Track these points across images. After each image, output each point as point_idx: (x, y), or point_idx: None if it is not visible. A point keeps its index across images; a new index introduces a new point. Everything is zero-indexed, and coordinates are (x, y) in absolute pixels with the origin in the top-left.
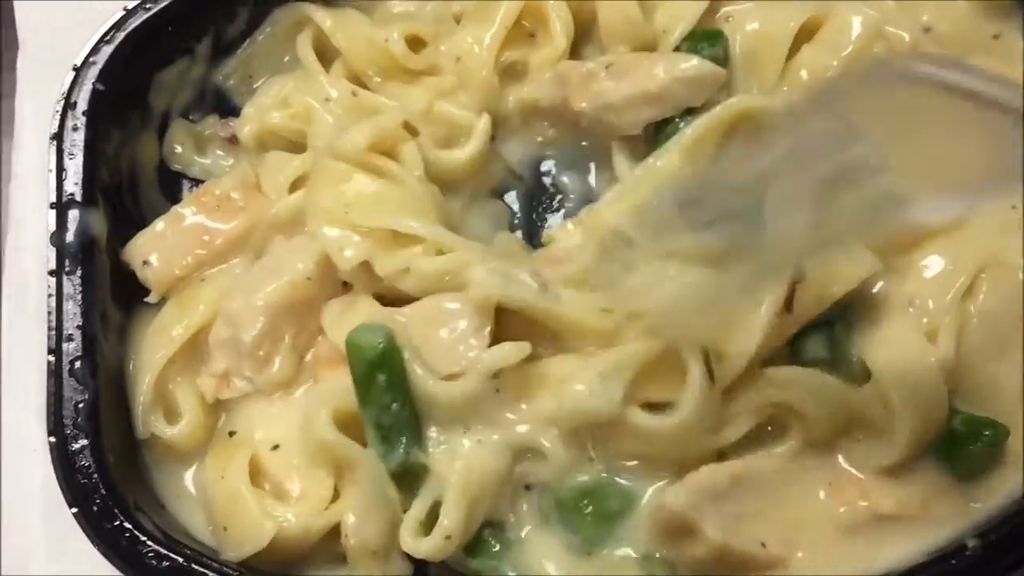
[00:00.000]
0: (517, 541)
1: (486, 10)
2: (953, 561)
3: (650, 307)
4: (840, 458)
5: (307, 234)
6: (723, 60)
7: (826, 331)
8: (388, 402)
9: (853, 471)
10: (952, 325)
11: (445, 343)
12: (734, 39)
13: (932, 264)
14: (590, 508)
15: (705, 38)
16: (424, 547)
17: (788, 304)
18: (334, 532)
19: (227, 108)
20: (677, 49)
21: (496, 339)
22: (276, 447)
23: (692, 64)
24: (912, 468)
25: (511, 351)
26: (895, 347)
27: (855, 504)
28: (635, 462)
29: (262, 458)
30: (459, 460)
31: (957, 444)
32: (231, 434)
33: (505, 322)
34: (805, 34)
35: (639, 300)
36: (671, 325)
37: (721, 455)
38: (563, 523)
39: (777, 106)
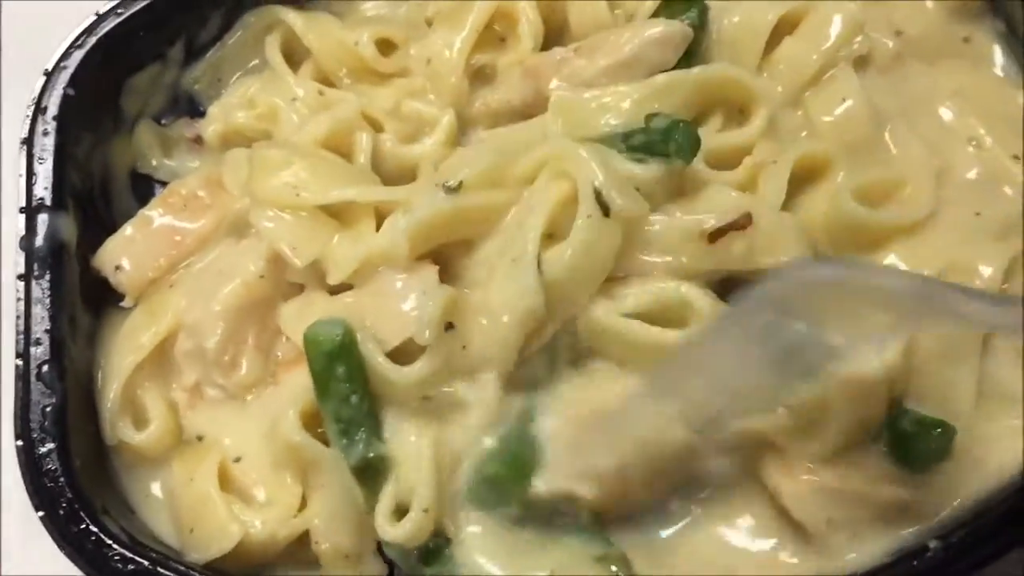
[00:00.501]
0: (465, 538)
1: (458, 13)
2: (915, 562)
3: None
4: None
5: (255, 235)
6: (700, 27)
7: None
8: (347, 393)
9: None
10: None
11: (393, 312)
12: (713, 31)
13: (893, 265)
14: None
15: (684, 5)
16: (406, 526)
17: (716, 234)
18: (304, 536)
19: (198, 112)
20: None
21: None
22: (238, 459)
23: (658, 27)
24: (856, 459)
25: (440, 296)
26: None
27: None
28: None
29: (228, 468)
30: (415, 439)
31: (906, 442)
32: (199, 438)
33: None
34: (787, 28)
35: None
36: None
37: None
38: (495, 497)
39: (759, 85)
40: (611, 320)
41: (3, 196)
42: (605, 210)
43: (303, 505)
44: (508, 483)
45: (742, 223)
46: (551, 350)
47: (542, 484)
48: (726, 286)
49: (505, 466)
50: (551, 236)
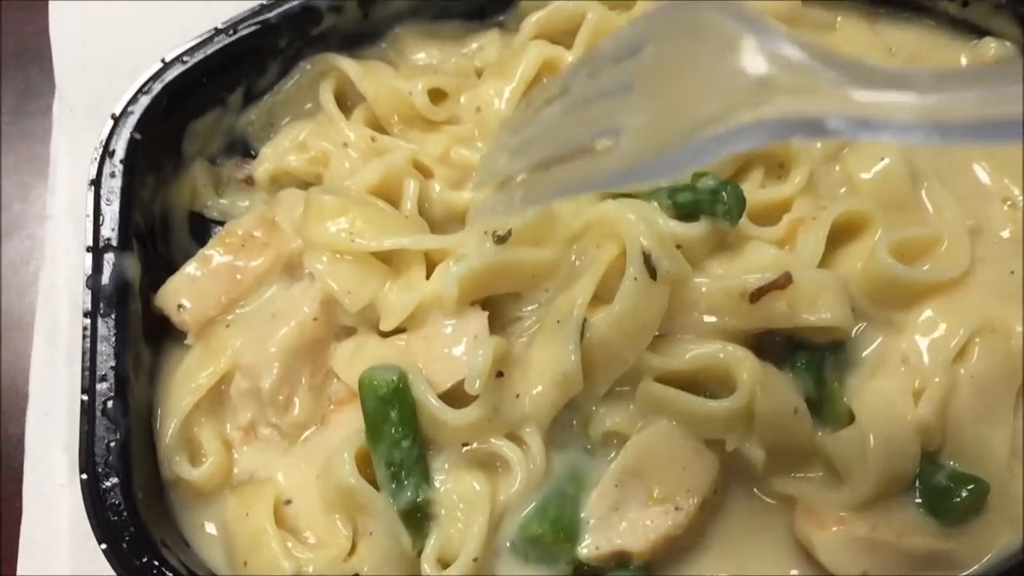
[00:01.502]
0: None
1: (507, 65)
2: None
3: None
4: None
5: (307, 278)
6: None
7: (814, 371)
8: (399, 438)
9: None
10: (940, 387)
11: (445, 356)
12: None
13: (928, 323)
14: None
15: None
16: (454, 572)
17: (756, 294)
18: None
19: (249, 154)
20: None
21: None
22: (289, 501)
23: None
24: (887, 510)
25: (491, 346)
26: (881, 400)
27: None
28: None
29: (279, 509)
30: (465, 488)
31: (940, 496)
32: (252, 478)
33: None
34: None
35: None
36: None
37: None
38: (539, 555)
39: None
40: (661, 392)
41: (55, 232)
42: (652, 273)
43: (353, 549)
44: (553, 545)
45: (782, 283)
46: (595, 413)
47: (589, 550)
48: (762, 338)
49: (550, 527)
50: (596, 297)
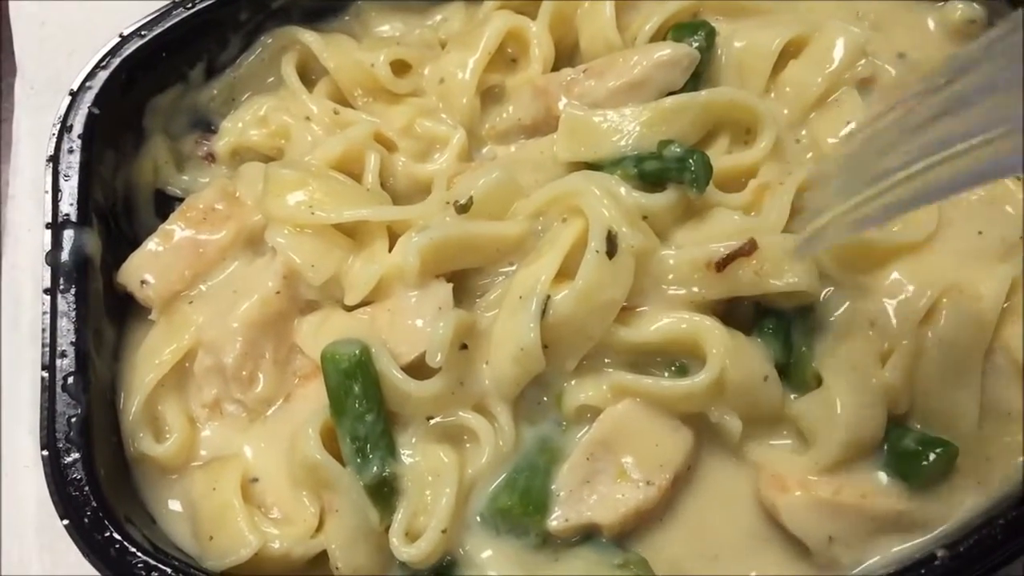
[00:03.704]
0: (478, 560)
1: (471, 36)
2: (923, 571)
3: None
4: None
5: (270, 252)
6: (707, 50)
7: (782, 337)
8: (362, 412)
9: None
10: (907, 350)
11: (408, 327)
12: (721, 54)
13: (896, 286)
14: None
15: (690, 29)
16: (422, 546)
17: (723, 262)
18: (322, 554)
19: (210, 130)
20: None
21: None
22: (256, 480)
23: (666, 50)
24: (852, 474)
25: (453, 319)
26: (848, 364)
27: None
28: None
29: (246, 487)
30: (433, 461)
31: (907, 460)
32: (219, 452)
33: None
34: (793, 51)
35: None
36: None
37: None
38: (510, 527)
39: (765, 107)
40: (633, 382)
41: (16, 211)
42: (614, 247)
43: (320, 525)
44: (522, 517)
45: (747, 249)
46: (568, 387)
47: (558, 522)
48: (731, 305)
49: (519, 500)
50: (563, 272)
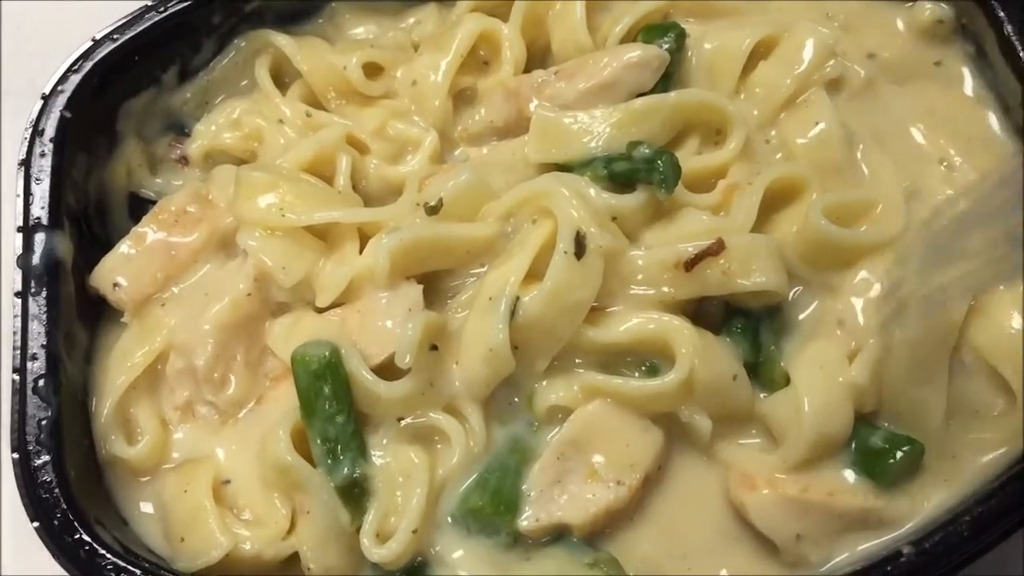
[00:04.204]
0: (449, 560)
1: (443, 38)
2: (888, 567)
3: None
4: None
5: (242, 254)
6: (677, 51)
7: (751, 336)
8: (333, 413)
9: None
10: (874, 349)
11: (378, 328)
12: (691, 55)
13: (864, 285)
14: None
15: (660, 30)
16: (393, 546)
17: (691, 262)
18: (295, 555)
19: (184, 133)
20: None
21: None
22: (228, 481)
23: (636, 51)
24: (820, 472)
25: (421, 320)
26: (816, 363)
27: (759, 491)
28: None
29: (218, 488)
30: (403, 461)
31: (874, 458)
32: (191, 455)
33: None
34: (763, 52)
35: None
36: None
37: None
38: (481, 527)
39: (734, 108)
40: (603, 382)
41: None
42: (582, 248)
43: (292, 527)
44: (493, 517)
45: (715, 249)
46: (539, 388)
47: (529, 522)
48: (700, 304)
49: (489, 500)
50: (532, 273)
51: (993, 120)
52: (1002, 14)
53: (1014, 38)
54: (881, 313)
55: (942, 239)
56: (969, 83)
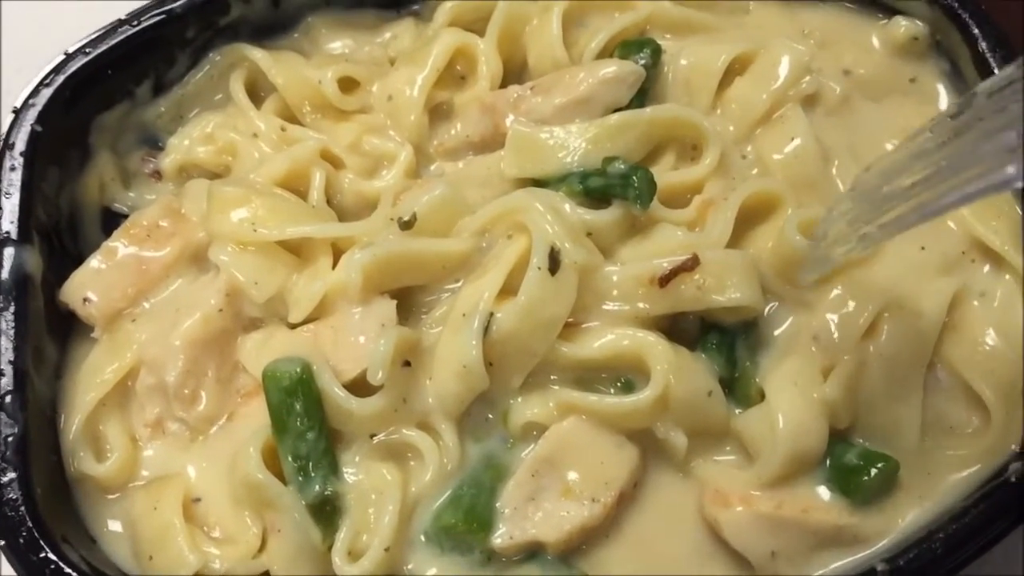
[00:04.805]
0: None
1: (419, 53)
2: None
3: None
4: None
5: (214, 269)
6: (653, 67)
7: (726, 352)
8: (304, 430)
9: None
10: (848, 365)
11: (351, 344)
12: (668, 71)
13: (838, 301)
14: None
15: (636, 46)
16: (365, 564)
17: (666, 278)
18: (264, 574)
19: (157, 147)
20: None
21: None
22: (198, 500)
23: (612, 67)
24: (794, 489)
25: (393, 336)
26: (791, 379)
27: (733, 508)
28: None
29: (188, 506)
30: (376, 479)
31: (849, 475)
32: (161, 472)
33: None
34: (739, 68)
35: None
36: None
37: None
38: (454, 545)
39: (709, 124)
40: (579, 399)
41: None
42: (556, 264)
43: (262, 545)
44: (467, 534)
45: (690, 265)
46: (514, 405)
47: (503, 540)
48: (675, 320)
49: (463, 517)
50: (507, 289)
51: None
52: (976, 31)
53: (988, 55)
54: (811, 259)
55: (868, 189)
56: (944, 99)
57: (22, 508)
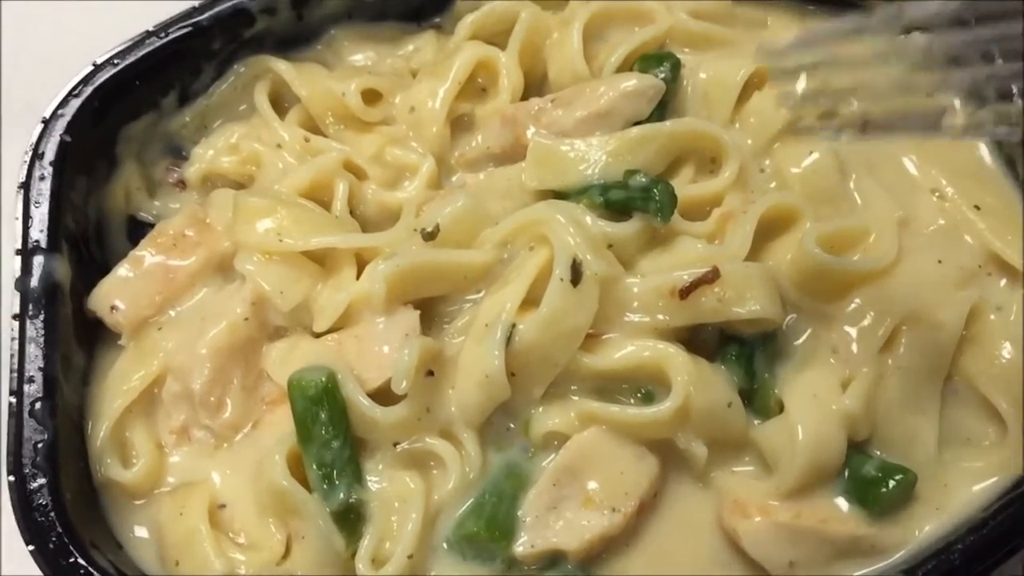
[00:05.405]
0: None
1: (441, 66)
2: None
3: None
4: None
5: (239, 279)
6: (672, 81)
7: (745, 364)
8: (329, 438)
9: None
10: (867, 377)
11: (375, 353)
12: (687, 85)
13: (857, 313)
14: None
15: (656, 60)
16: (389, 571)
17: (686, 290)
18: None
19: (182, 157)
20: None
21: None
22: (223, 506)
23: (632, 80)
24: (812, 499)
25: (417, 346)
26: (810, 391)
27: (752, 518)
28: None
29: (213, 513)
30: (399, 487)
31: (867, 486)
32: (187, 479)
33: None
34: (757, 82)
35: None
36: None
37: None
38: (476, 553)
39: (728, 138)
40: (600, 410)
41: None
42: (578, 276)
43: (287, 552)
44: (488, 542)
45: (710, 277)
46: (536, 414)
47: (524, 548)
48: (694, 332)
49: (485, 525)
50: (529, 300)
51: (984, 151)
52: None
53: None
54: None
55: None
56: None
57: (52, 513)
